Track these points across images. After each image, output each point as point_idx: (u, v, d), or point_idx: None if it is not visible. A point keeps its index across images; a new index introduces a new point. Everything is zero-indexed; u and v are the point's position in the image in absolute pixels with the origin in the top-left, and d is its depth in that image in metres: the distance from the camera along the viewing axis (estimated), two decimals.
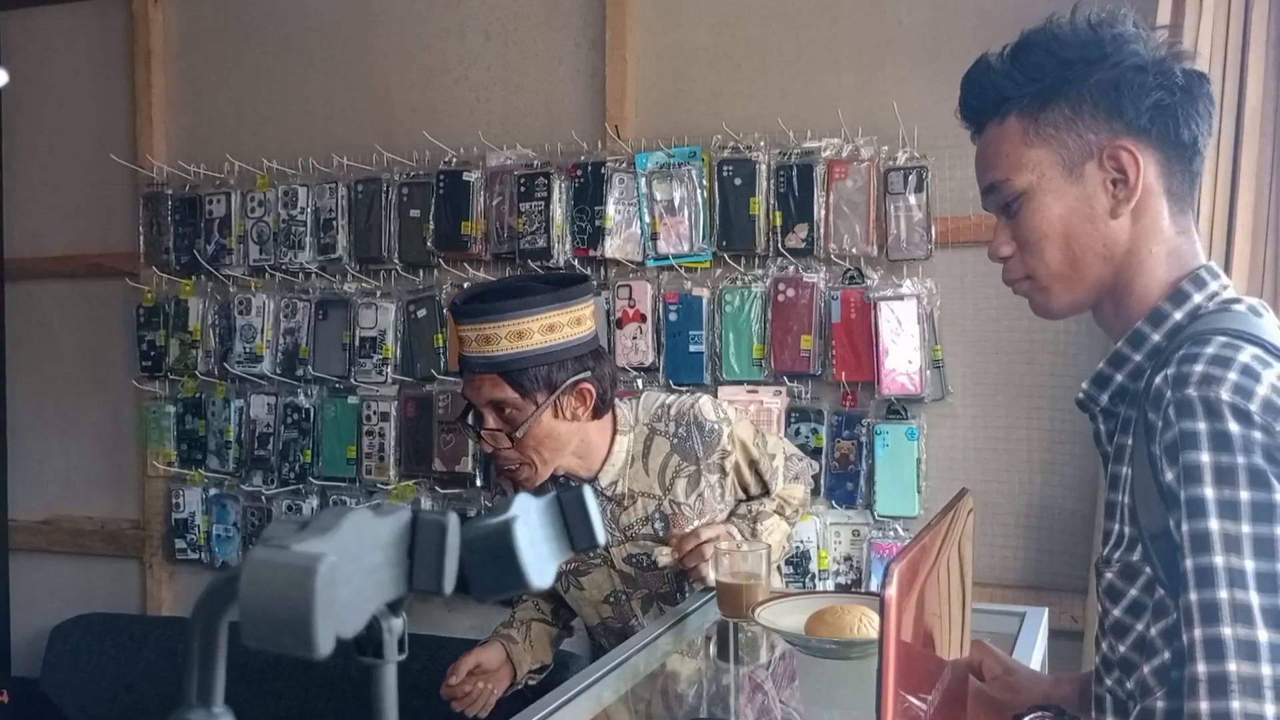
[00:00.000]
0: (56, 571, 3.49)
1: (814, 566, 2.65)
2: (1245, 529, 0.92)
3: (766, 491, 2.07)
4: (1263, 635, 0.90)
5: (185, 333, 3.24)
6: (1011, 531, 2.59)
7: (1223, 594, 0.92)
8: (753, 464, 2.05)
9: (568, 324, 1.85)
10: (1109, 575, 1.08)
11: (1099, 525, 2.13)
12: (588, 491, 0.65)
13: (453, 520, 0.55)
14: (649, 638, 1.84)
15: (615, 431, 1.98)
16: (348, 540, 0.47)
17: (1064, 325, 2.47)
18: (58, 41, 3.47)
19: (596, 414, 1.92)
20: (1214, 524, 0.93)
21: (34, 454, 3.53)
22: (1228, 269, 2.26)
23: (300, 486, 3.14)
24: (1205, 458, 0.95)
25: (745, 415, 2.28)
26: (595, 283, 2.84)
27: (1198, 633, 0.93)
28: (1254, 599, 0.91)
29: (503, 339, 1.80)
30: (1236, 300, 1.12)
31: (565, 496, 0.65)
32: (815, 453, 2.65)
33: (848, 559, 2.66)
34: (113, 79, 3.39)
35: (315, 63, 3.19)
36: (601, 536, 0.66)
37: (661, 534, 1.96)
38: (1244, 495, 0.93)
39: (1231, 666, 0.91)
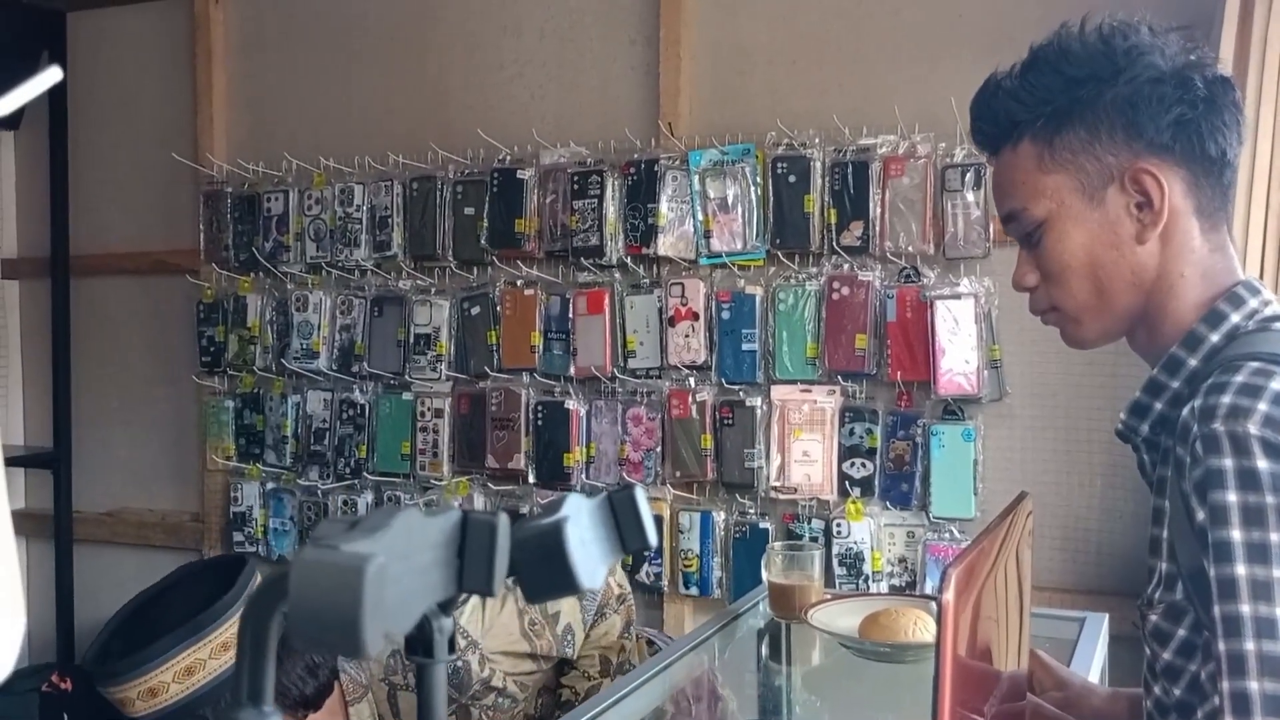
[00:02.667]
0: (119, 563, 3.56)
1: (868, 568, 2.63)
2: (1276, 573, 0.88)
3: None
4: None
5: (244, 329, 3.28)
6: (1071, 535, 2.54)
7: (1249, 645, 0.88)
8: None
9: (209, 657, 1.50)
10: (1154, 618, 1.04)
11: None
12: (639, 491, 0.65)
13: (503, 520, 0.54)
14: (700, 638, 1.83)
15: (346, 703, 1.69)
16: (397, 540, 0.47)
17: None
18: (122, 41, 3.54)
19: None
20: (1241, 569, 0.89)
21: (98, 447, 3.60)
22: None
23: (355, 482, 3.17)
24: (1232, 497, 0.90)
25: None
26: (648, 281, 2.84)
27: (1225, 685, 0.89)
28: None
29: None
30: (1278, 318, 1.06)
31: (617, 497, 0.65)
32: (870, 453, 2.62)
33: (902, 561, 2.63)
34: (175, 78, 3.45)
35: (371, 62, 3.22)
36: (654, 538, 0.65)
37: None
38: (1275, 537, 0.88)
39: None
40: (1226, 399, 0.92)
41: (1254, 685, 0.87)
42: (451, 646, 0.59)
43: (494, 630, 1.76)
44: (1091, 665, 1.66)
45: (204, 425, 3.38)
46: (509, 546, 0.54)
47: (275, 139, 3.30)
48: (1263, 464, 0.89)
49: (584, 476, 2.88)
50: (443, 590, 0.52)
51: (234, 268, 3.31)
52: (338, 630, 0.43)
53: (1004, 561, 1.10)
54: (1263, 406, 0.91)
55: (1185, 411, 0.96)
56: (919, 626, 1.60)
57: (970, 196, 2.54)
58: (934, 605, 0.88)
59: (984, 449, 2.56)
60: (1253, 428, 0.90)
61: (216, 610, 1.46)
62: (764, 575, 1.88)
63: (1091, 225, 1.09)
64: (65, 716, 3.17)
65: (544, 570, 0.56)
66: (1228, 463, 0.90)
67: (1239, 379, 0.94)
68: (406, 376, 3.09)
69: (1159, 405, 1.08)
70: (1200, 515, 0.93)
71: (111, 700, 1.48)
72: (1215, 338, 1.05)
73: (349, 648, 0.43)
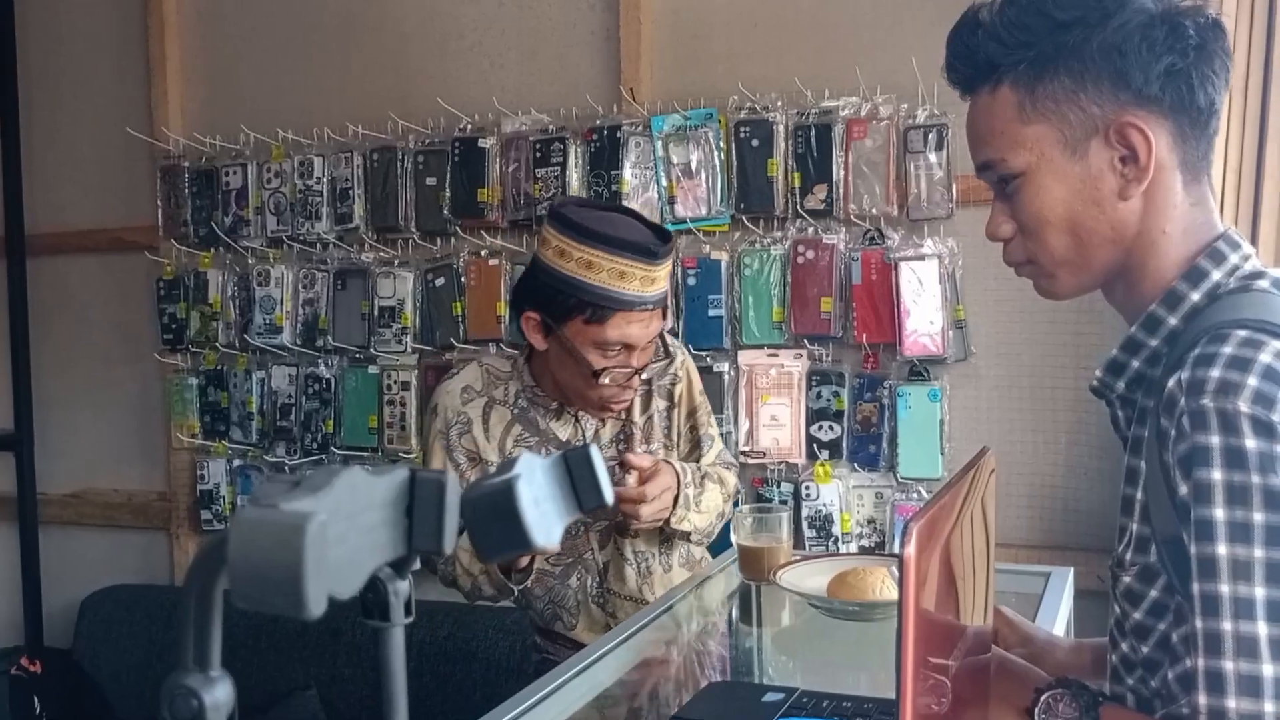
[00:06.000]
0: (86, 544, 3.53)
1: (837, 530, 2.64)
2: (1258, 553, 0.87)
3: (695, 455, 2.02)
4: (1268, 669, 0.86)
5: (205, 305, 3.25)
6: (1037, 492, 2.56)
7: (1226, 625, 0.87)
8: (693, 412, 2.01)
9: None
10: (1127, 579, 1.03)
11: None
12: (594, 450, 0.64)
13: (451, 478, 0.54)
14: (670, 601, 1.84)
15: None
16: (341, 499, 0.46)
17: None
18: (74, 13, 3.46)
19: None
20: (1222, 549, 0.88)
21: (62, 428, 3.56)
22: (1255, 227, 2.21)
23: (323, 457, 3.15)
24: (1217, 475, 0.88)
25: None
26: None
27: (1201, 662, 0.89)
28: (1261, 630, 0.86)
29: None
30: (1260, 274, 1.02)
31: (572, 456, 0.64)
32: (837, 415, 2.63)
33: (871, 522, 2.65)
34: (128, 51, 3.38)
35: (329, 31, 3.17)
36: (609, 496, 0.65)
37: (623, 455, 1.89)
38: (1257, 517, 0.87)
39: (1231, 703, 0.87)
40: (1215, 373, 0.90)
41: (1229, 665, 0.87)
42: (408, 609, 0.58)
43: None
44: (1057, 619, 1.68)
45: (168, 403, 3.35)
46: (459, 504, 0.53)
47: (232, 111, 3.24)
48: (1251, 443, 0.87)
49: None
50: (392, 550, 0.52)
51: (194, 243, 3.27)
52: (279, 590, 0.42)
53: (967, 516, 1.10)
54: (1253, 381, 0.88)
55: (1172, 382, 0.93)
56: (885, 585, 1.61)
57: (933, 158, 2.54)
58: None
59: (950, 409, 2.57)
60: (1243, 405, 0.88)
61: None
62: (733, 538, 1.88)
63: (1072, 179, 1.04)
64: (35, 699, 3.15)
65: (496, 529, 0.55)
66: (1215, 440, 0.88)
67: (1227, 350, 0.91)
68: (372, 350, 3.07)
69: (1136, 363, 1.06)
70: (1183, 490, 0.91)
71: (658, 276, 1.77)
72: (1196, 296, 1.02)
73: (292, 607, 0.42)
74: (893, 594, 1.58)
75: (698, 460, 2.00)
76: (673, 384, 1.98)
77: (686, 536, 1.93)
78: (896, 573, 0.95)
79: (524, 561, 1.83)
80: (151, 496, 3.46)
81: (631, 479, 1.80)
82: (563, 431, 1.94)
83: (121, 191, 3.43)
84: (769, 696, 1.38)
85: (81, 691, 3.22)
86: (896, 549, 2.65)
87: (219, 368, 3.27)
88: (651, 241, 1.75)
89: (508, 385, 1.94)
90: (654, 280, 1.76)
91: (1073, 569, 2.00)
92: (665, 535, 1.95)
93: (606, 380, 1.78)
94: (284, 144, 3.15)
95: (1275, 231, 2.24)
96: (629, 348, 1.78)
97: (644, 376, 1.89)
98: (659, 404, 1.98)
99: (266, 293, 3.16)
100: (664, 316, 1.84)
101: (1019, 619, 1.38)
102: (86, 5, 3.45)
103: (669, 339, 1.96)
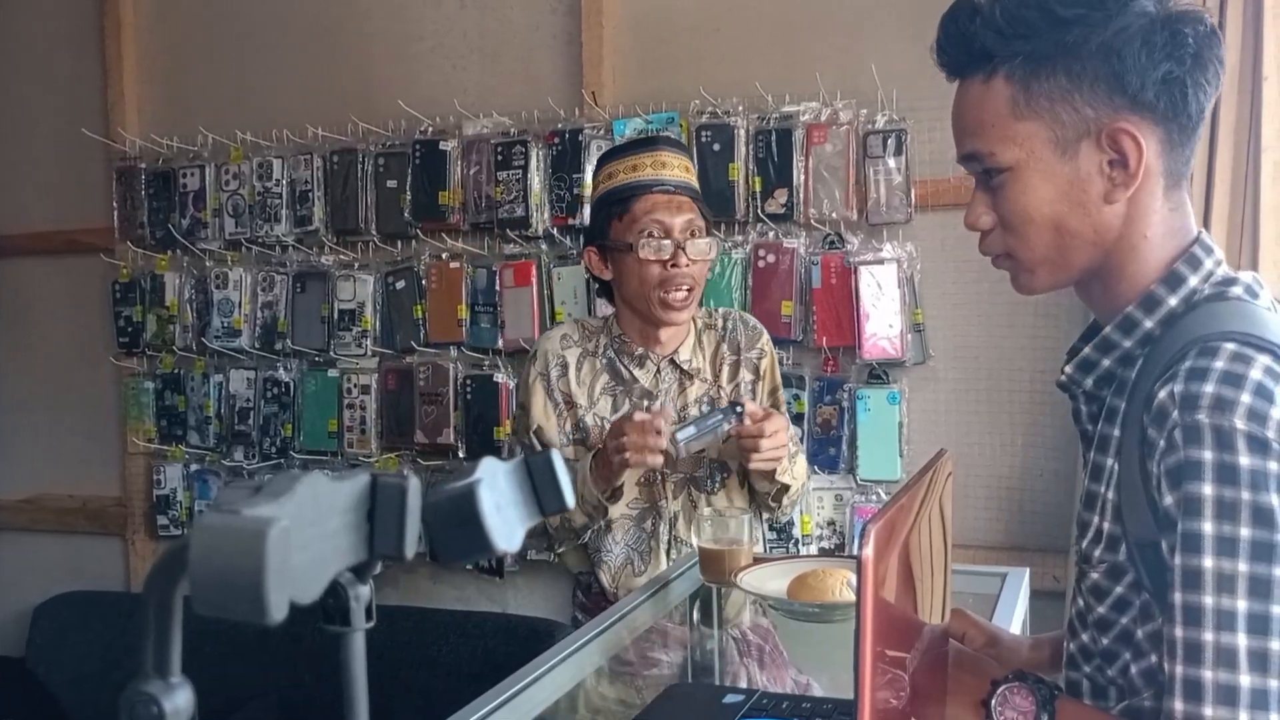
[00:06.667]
0: (40, 550, 3.48)
1: (797, 532, 2.66)
2: (1242, 567, 0.88)
3: None
4: (1244, 680, 0.88)
5: (162, 308, 3.21)
6: (994, 493, 2.60)
7: (1208, 636, 0.89)
8: (774, 390, 2.10)
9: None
10: (1094, 575, 1.04)
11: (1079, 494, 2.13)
12: (556, 454, 0.65)
13: (413, 483, 0.54)
14: (632, 604, 1.84)
15: None
16: (303, 504, 0.46)
17: None
18: (29, 14, 3.41)
19: None
20: (1209, 561, 0.89)
21: (16, 432, 3.51)
22: (1207, 229, 2.25)
23: (282, 461, 3.12)
24: (1208, 490, 0.89)
25: None
26: (575, 252, 2.83)
27: (1179, 669, 0.90)
28: (1241, 641, 0.88)
29: (690, 172, 2.02)
30: (1232, 280, 1.04)
31: (533, 460, 0.64)
32: (797, 418, 2.64)
33: (831, 524, 2.67)
34: (84, 50, 3.34)
35: (289, 33, 3.15)
36: (571, 500, 0.65)
37: (734, 398, 2.00)
38: (1244, 532, 0.88)
39: (1208, 711, 0.89)
40: (1210, 388, 0.90)
41: (1208, 674, 0.89)
42: (369, 614, 0.58)
43: None
44: (1013, 619, 1.70)
45: (124, 407, 3.31)
46: (420, 509, 0.53)
47: (190, 113, 3.21)
48: (1245, 460, 0.88)
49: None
50: (353, 555, 0.52)
51: (150, 246, 3.23)
52: (241, 595, 0.42)
53: (925, 517, 1.11)
54: (1246, 398, 0.89)
55: (1163, 394, 0.94)
56: (845, 586, 1.62)
57: (892, 163, 2.57)
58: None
59: (909, 411, 2.60)
60: (1239, 422, 0.89)
61: None
62: (694, 541, 1.89)
63: (1060, 180, 1.03)
64: None
65: (458, 533, 0.55)
66: (1208, 455, 0.89)
67: (1219, 365, 0.92)
68: (331, 353, 3.05)
69: (1107, 362, 1.07)
70: (1168, 501, 0.92)
71: (676, 164, 2.00)
72: (1173, 301, 1.03)
73: (253, 613, 0.42)
74: (852, 595, 1.59)
75: None
76: (759, 358, 2.07)
77: (785, 490, 2.00)
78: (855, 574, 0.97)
79: (620, 479, 1.92)
80: (107, 501, 3.41)
81: (747, 420, 1.87)
82: (645, 378, 2.04)
83: (77, 193, 3.38)
84: (729, 698, 1.39)
85: (34, 700, 3.17)
86: (856, 551, 2.67)
87: (176, 371, 3.23)
88: (653, 135, 1.96)
89: (599, 338, 2.07)
90: (664, 164, 1.96)
91: (1029, 569, 2.03)
92: (757, 492, 2.02)
93: (650, 255, 1.92)
94: (243, 146, 3.12)
95: (1224, 235, 2.28)
96: (665, 232, 1.93)
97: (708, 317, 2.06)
98: (745, 375, 2.07)
99: (225, 295, 3.13)
100: (704, 220, 1.99)
101: (983, 621, 1.39)
102: (41, 5, 3.40)
103: (752, 319, 2.12)
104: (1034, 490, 2.57)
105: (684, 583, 1.96)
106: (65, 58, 3.38)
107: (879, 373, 2.61)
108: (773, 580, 1.73)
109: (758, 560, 1.84)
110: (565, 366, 2.05)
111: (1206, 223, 2.26)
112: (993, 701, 1.06)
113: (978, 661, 1.20)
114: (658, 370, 2.05)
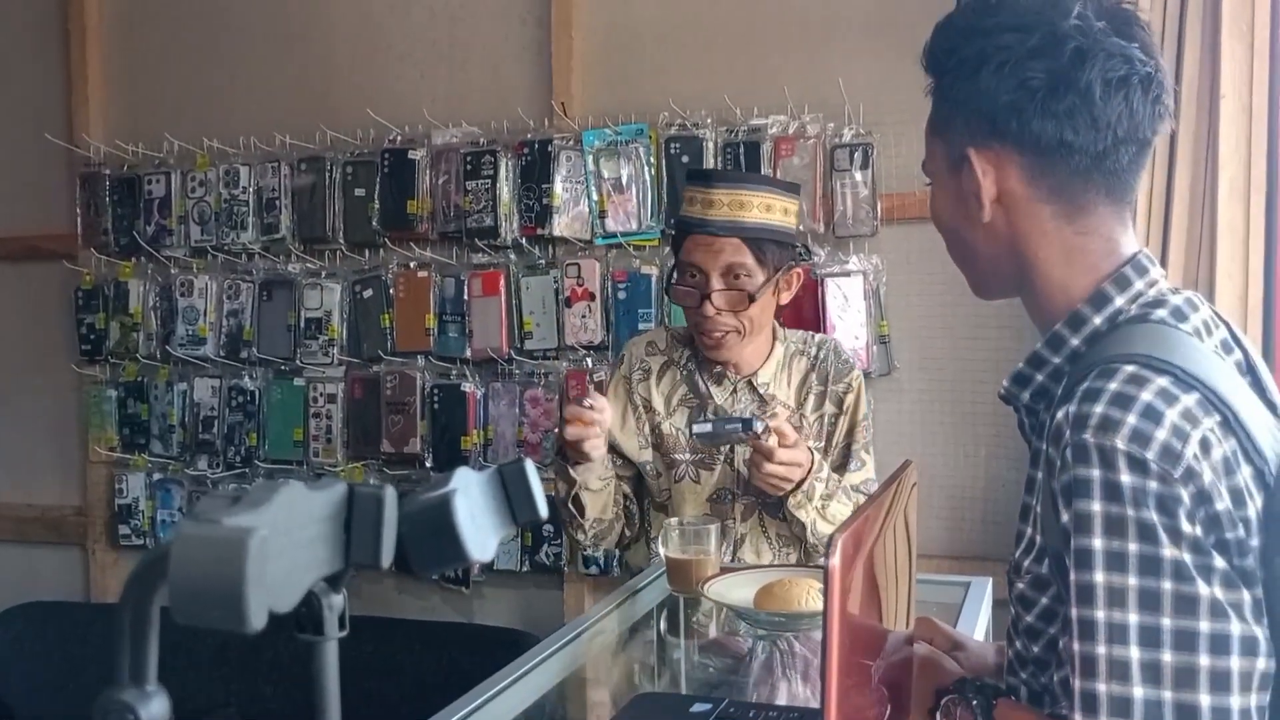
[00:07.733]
0: None
1: None
2: (1131, 581, 0.90)
3: (843, 471, 2.05)
4: (1137, 692, 0.89)
5: (126, 315, 3.18)
6: (958, 504, 2.62)
7: (1101, 649, 0.90)
8: (853, 428, 2.07)
9: (793, 212, 2.02)
10: (1020, 585, 1.07)
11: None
12: (529, 464, 0.65)
13: (389, 493, 0.54)
14: (599, 614, 1.85)
15: (774, 336, 2.08)
16: (280, 514, 0.47)
17: (1010, 301, 2.50)
18: None
19: (782, 304, 2.05)
20: (1099, 576, 0.91)
21: None
22: (1165, 246, 2.29)
23: (246, 470, 3.10)
24: (1096, 507, 0.91)
25: None
26: (544, 262, 2.84)
27: (1077, 684, 0.92)
28: (1133, 654, 0.89)
29: (754, 208, 1.93)
30: (1160, 302, 1.05)
31: (507, 470, 0.65)
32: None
33: None
34: (46, 54, 3.31)
35: (256, 39, 3.13)
36: (544, 510, 0.66)
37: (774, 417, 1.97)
38: (1132, 547, 0.90)
39: None
40: (1099, 409, 0.93)
41: (1102, 687, 0.90)
42: (342, 623, 0.59)
43: None
44: (976, 627, 1.72)
45: (85, 415, 3.27)
46: (396, 519, 0.54)
47: (155, 119, 3.19)
48: (1126, 478, 0.90)
49: (482, 459, 2.87)
50: (329, 564, 0.52)
51: (114, 252, 3.20)
52: (221, 604, 0.43)
53: (890, 527, 1.13)
54: (1131, 420, 0.91)
55: (1060, 414, 0.97)
56: (811, 595, 1.64)
57: (858, 176, 2.59)
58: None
59: (874, 422, 2.61)
60: (1119, 442, 0.91)
61: (795, 185, 2.11)
62: (661, 551, 1.90)
63: (952, 195, 1.11)
64: None
65: (433, 543, 0.56)
66: (1095, 473, 0.92)
67: (1112, 387, 0.94)
68: (298, 361, 3.03)
69: (1040, 377, 1.10)
70: (1065, 517, 0.95)
71: (726, 202, 1.95)
72: (1098, 320, 1.06)
73: (233, 621, 0.43)
74: (818, 605, 1.61)
75: (841, 475, 2.04)
76: (844, 392, 2.06)
77: (802, 529, 1.97)
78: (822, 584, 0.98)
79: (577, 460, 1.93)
80: (67, 511, 3.37)
81: (772, 440, 1.86)
82: (720, 396, 2.04)
83: (39, 199, 3.35)
84: (697, 707, 1.40)
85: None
86: (823, 560, 2.69)
87: (139, 379, 3.20)
88: (720, 171, 2.04)
89: (683, 350, 2.08)
90: (711, 203, 1.93)
91: (991, 579, 2.05)
92: (786, 519, 1.98)
93: (679, 298, 1.96)
94: (209, 153, 3.10)
95: (1183, 254, 2.32)
96: (702, 273, 1.94)
97: (739, 327, 1.96)
98: (829, 408, 2.06)
99: (189, 303, 3.11)
100: (760, 261, 1.94)
101: (949, 628, 1.41)
102: (3, 8, 3.36)
103: (846, 351, 2.12)
104: (996, 500, 2.60)
105: (650, 593, 1.96)
106: (28, 62, 3.35)
107: None
108: (739, 590, 1.75)
109: (725, 570, 1.85)
110: (648, 372, 2.08)
111: (1165, 239, 2.30)
112: (938, 713, 1.09)
113: (940, 667, 1.22)
114: (734, 390, 2.05)
